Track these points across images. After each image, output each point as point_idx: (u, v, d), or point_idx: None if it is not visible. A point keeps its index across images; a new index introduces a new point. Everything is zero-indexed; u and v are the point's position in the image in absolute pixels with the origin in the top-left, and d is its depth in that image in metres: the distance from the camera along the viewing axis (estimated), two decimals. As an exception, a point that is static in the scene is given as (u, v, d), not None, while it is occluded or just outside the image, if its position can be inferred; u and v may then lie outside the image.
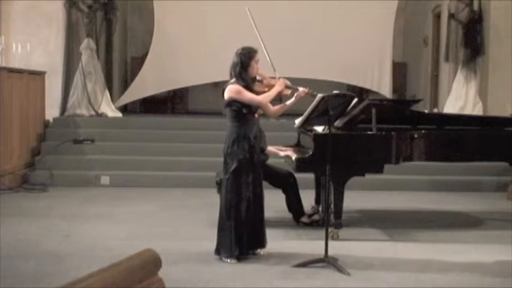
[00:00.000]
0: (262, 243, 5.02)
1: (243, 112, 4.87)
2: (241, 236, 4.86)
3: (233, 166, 4.87)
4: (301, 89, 5.11)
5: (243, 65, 4.87)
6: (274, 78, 5.16)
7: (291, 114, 5.78)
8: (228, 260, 4.84)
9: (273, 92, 4.99)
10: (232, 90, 4.86)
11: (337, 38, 10.72)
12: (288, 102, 5.18)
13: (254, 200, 4.90)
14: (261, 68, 5.05)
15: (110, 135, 9.32)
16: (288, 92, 5.15)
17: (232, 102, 4.87)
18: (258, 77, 5.04)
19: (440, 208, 7.24)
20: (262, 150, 6.06)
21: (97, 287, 2.03)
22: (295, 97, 5.14)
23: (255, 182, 4.91)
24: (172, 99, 12.71)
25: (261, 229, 5.00)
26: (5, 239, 5.36)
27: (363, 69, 11.11)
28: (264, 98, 4.94)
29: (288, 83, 5.12)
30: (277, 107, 5.21)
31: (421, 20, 12.51)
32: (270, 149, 6.11)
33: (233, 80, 4.92)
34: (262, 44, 5.27)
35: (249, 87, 4.91)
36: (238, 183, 4.87)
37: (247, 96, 4.85)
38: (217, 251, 4.93)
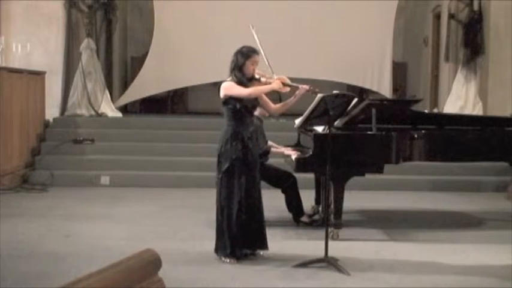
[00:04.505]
0: (262, 245, 4.97)
1: (237, 108, 4.82)
2: (234, 236, 4.84)
3: (225, 166, 4.84)
4: (301, 86, 4.97)
5: (238, 64, 4.87)
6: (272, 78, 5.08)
7: (291, 114, 5.77)
8: (228, 260, 4.84)
9: (264, 88, 4.88)
10: (224, 87, 4.86)
11: (337, 37, 10.72)
12: (289, 101, 5.09)
13: (247, 201, 4.84)
14: (260, 70, 5.00)
15: (110, 135, 9.32)
16: (287, 89, 5.00)
17: (227, 100, 4.84)
18: (256, 76, 4.96)
19: (440, 208, 7.24)
20: (267, 152, 6.05)
21: (97, 287, 2.03)
22: (295, 96, 5.03)
23: (249, 183, 4.85)
24: (172, 99, 12.71)
25: (260, 231, 4.95)
26: (5, 239, 5.36)
27: (363, 69, 11.10)
28: (254, 91, 4.85)
29: (287, 80, 4.96)
30: (278, 105, 5.19)
31: (421, 20, 12.51)
32: (274, 150, 6.13)
33: (229, 78, 4.93)
34: (261, 49, 5.16)
35: (242, 85, 4.86)
36: (230, 183, 4.83)
37: (236, 89, 4.81)
38: (216, 250, 4.94)
